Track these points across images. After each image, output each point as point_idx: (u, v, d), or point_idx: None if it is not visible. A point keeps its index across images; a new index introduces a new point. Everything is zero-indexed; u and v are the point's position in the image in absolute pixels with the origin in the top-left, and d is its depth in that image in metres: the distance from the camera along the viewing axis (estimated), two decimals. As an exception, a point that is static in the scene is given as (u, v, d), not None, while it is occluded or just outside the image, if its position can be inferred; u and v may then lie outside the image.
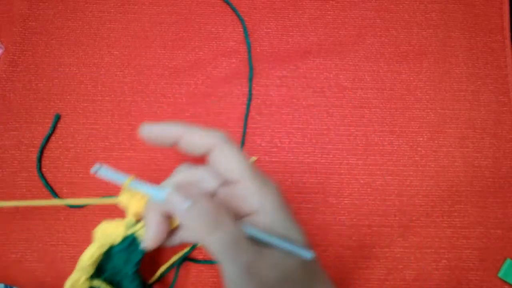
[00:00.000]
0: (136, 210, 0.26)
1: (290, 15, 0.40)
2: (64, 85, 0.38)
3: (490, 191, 0.36)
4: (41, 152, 0.36)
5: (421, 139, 0.37)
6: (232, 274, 0.21)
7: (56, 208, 0.35)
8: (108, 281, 0.29)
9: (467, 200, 0.36)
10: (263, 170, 0.36)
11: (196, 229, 0.21)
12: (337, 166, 0.36)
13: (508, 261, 0.34)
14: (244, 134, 0.37)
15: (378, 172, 0.36)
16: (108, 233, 0.27)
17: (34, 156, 0.36)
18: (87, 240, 0.34)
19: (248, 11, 0.40)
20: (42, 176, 0.35)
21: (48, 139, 0.36)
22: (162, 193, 0.23)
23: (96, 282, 0.28)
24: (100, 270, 0.28)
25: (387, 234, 0.35)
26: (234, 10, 0.39)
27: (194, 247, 0.33)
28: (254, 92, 0.38)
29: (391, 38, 0.40)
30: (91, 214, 0.35)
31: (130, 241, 0.27)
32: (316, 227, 0.35)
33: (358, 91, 0.38)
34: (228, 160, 0.23)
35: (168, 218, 0.24)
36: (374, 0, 0.41)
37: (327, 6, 0.40)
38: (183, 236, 0.25)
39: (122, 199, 0.26)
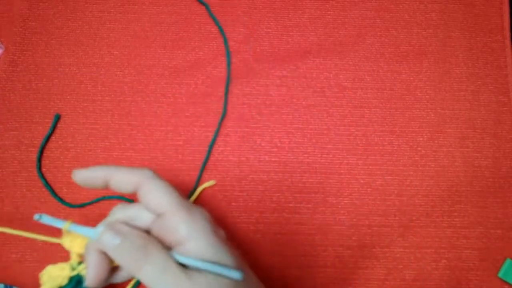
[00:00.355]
0: (79, 251, 0.27)
1: (290, 15, 0.40)
2: (64, 85, 0.38)
3: (490, 191, 0.36)
4: (41, 152, 0.36)
5: (421, 139, 0.37)
6: None
7: (56, 208, 0.35)
8: None
9: (467, 200, 0.36)
10: (263, 170, 0.36)
11: (126, 264, 0.23)
12: (337, 166, 0.36)
13: (508, 261, 0.34)
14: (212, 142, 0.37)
15: (378, 172, 0.36)
16: (54, 276, 0.29)
17: (34, 156, 0.36)
18: (87, 240, 0.34)
19: (248, 11, 0.40)
20: (42, 176, 0.35)
21: (48, 139, 0.36)
22: (97, 233, 0.24)
23: None
24: None
25: (387, 234, 0.35)
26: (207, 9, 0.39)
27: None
28: (254, 92, 0.38)
29: (391, 38, 0.40)
30: (91, 214, 0.35)
31: (76, 282, 0.28)
32: (316, 227, 0.35)
33: (358, 91, 0.38)
34: (155, 195, 0.24)
35: (108, 256, 0.25)
36: (374, 0, 0.41)
37: (327, 6, 0.40)
38: (126, 272, 0.27)
39: (65, 242, 0.27)
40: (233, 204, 0.35)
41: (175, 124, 0.37)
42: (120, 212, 0.26)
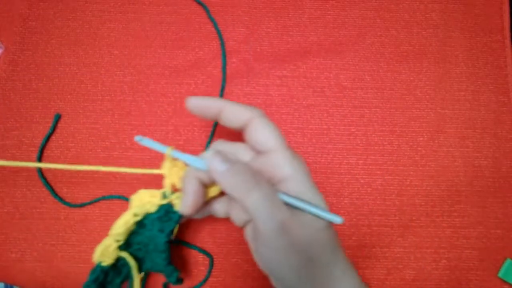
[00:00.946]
0: (174, 181, 0.28)
1: (290, 15, 0.40)
2: (64, 84, 0.38)
3: (490, 191, 0.36)
4: (41, 152, 0.36)
5: (421, 139, 0.37)
6: (268, 230, 0.23)
7: (56, 208, 0.35)
8: (133, 255, 0.29)
9: (467, 200, 0.36)
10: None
11: (235, 188, 0.24)
12: (337, 166, 0.36)
13: (508, 261, 0.34)
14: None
15: (378, 172, 0.36)
16: (145, 201, 0.28)
17: (35, 155, 0.36)
18: (87, 240, 0.34)
19: (248, 11, 0.40)
20: (42, 175, 0.35)
21: (48, 138, 0.36)
22: (202, 161, 0.25)
23: (124, 254, 0.28)
24: (127, 244, 0.29)
25: (387, 234, 0.35)
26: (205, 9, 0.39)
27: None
28: (254, 92, 0.38)
29: (391, 38, 0.40)
30: (91, 214, 0.35)
31: (164, 211, 0.28)
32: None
33: (358, 91, 0.38)
34: (264, 132, 0.25)
35: (205, 187, 0.27)
36: (374, 0, 0.41)
37: (327, 6, 0.40)
38: (214, 208, 0.28)
39: (164, 168, 0.28)
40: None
41: (175, 124, 0.37)
42: (221, 146, 0.27)
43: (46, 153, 0.36)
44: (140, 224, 0.29)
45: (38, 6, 0.40)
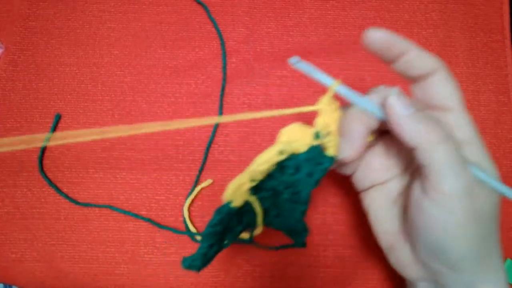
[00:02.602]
0: (329, 121, 0.23)
1: (290, 15, 0.40)
2: (64, 84, 0.38)
3: (490, 191, 0.36)
4: (43, 152, 0.36)
5: (421, 139, 0.37)
6: (453, 189, 0.20)
7: (56, 208, 0.35)
8: (270, 199, 0.25)
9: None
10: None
11: (420, 137, 0.21)
12: (337, 166, 0.36)
13: (508, 261, 0.34)
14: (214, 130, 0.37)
15: (378, 172, 0.36)
16: (294, 138, 0.24)
17: (35, 155, 0.36)
18: (87, 240, 0.34)
19: (248, 11, 0.40)
20: (45, 175, 0.35)
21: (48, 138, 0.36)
22: (372, 103, 0.22)
23: (252, 199, 0.24)
24: (256, 188, 0.24)
25: (387, 234, 0.35)
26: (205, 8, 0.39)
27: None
28: (254, 92, 0.38)
29: (391, 38, 0.39)
30: (91, 214, 0.35)
31: (315, 154, 0.23)
32: (316, 227, 0.35)
33: (359, 91, 0.38)
34: (448, 87, 0.23)
35: (368, 134, 0.23)
36: (374, 0, 0.41)
37: (327, 6, 0.40)
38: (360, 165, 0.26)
39: (322, 104, 0.24)
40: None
41: (175, 124, 0.37)
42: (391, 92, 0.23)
43: (46, 153, 0.36)
44: (279, 167, 0.24)
45: (38, 6, 0.40)
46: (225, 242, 0.25)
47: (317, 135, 0.23)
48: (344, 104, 0.25)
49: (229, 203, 0.23)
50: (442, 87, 0.23)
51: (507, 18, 0.40)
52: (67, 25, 0.39)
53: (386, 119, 0.22)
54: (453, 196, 0.20)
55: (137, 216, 0.34)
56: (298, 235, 0.25)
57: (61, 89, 0.38)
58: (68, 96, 0.37)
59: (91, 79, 0.38)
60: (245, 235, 0.29)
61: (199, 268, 0.24)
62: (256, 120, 0.37)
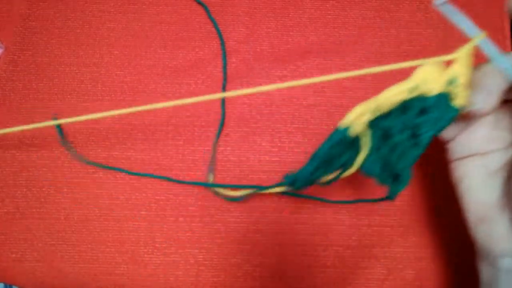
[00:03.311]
0: (463, 71, 0.23)
1: (290, 15, 0.40)
2: (64, 85, 0.38)
3: (490, 191, 0.36)
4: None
5: (421, 139, 0.37)
6: None
7: (56, 208, 0.35)
8: (385, 140, 0.24)
9: (467, 200, 0.36)
10: (263, 170, 0.36)
11: None
12: (337, 166, 0.36)
13: (508, 261, 0.34)
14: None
15: (378, 172, 0.36)
16: (429, 78, 0.23)
17: (35, 155, 0.36)
18: (87, 240, 0.34)
19: (248, 11, 0.40)
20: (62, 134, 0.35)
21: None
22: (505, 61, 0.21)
23: (367, 133, 0.24)
24: (372, 124, 0.24)
25: (387, 234, 0.35)
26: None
27: None
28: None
29: (391, 38, 0.40)
30: (91, 214, 0.35)
31: (445, 99, 0.23)
32: (316, 227, 0.35)
33: (359, 91, 0.38)
34: None
35: (505, 91, 0.22)
36: (374, 0, 0.41)
37: (327, 6, 0.40)
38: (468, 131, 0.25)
39: (462, 52, 0.23)
40: (233, 203, 0.35)
41: (175, 124, 0.37)
42: None
43: (47, 153, 0.36)
44: (402, 106, 0.23)
45: (38, 6, 0.40)
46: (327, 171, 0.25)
47: (451, 82, 0.23)
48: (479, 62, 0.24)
49: (346, 129, 0.23)
50: None
51: (507, 18, 0.40)
52: (67, 25, 0.39)
53: None
54: None
55: (154, 176, 0.35)
56: (397, 183, 0.24)
57: (61, 89, 0.38)
58: (68, 96, 0.37)
59: (91, 79, 0.38)
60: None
61: (299, 187, 0.24)
62: (256, 120, 0.37)
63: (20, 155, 0.36)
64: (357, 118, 0.23)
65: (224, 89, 0.38)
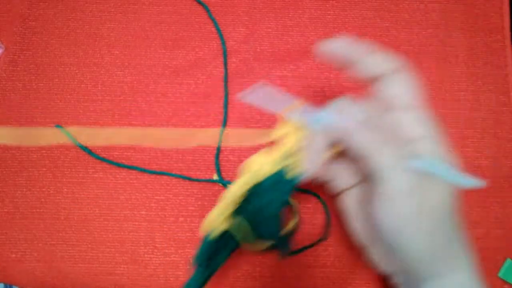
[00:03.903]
0: (291, 143, 0.26)
1: (290, 15, 0.40)
2: (64, 84, 0.38)
3: (490, 191, 0.36)
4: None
5: (421, 139, 0.37)
6: (396, 189, 0.22)
7: (56, 208, 0.35)
8: (248, 220, 0.27)
9: (466, 200, 0.36)
10: (263, 170, 0.36)
11: (365, 144, 0.22)
12: (337, 166, 0.36)
13: (508, 261, 0.34)
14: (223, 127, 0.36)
15: (378, 172, 0.36)
16: (261, 166, 0.26)
17: (35, 155, 0.36)
18: (87, 240, 0.34)
19: (248, 11, 0.40)
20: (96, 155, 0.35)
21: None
22: (325, 117, 0.24)
23: (237, 220, 0.27)
24: (241, 208, 0.27)
25: (387, 234, 0.35)
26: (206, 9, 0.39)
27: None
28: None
29: (391, 38, 0.40)
30: (91, 214, 0.35)
31: (275, 178, 0.26)
32: (316, 227, 0.35)
33: (359, 90, 0.38)
34: (402, 87, 0.23)
35: (327, 148, 0.25)
36: (374, 0, 0.41)
37: (327, 6, 0.40)
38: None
39: (286, 127, 0.26)
40: (233, 204, 0.35)
41: (175, 124, 0.37)
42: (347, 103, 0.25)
43: (47, 153, 0.36)
44: (250, 192, 0.26)
45: (38, 6, 0.40)
46: (215, 265, 0.28)
47: (281, 159, 0.26)
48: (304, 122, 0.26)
49: (207, 236, 0.27)
50: (398, 87, 0.23)
51: (507, 18, 0.40)
52: (67, 25, 0.39)
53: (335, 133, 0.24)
54: (398, 196, 0.22)
55: (169, 174, 0.35)
56: (282, 246, 0.28)
57: (61, 89, 0.38)
58: (68, 96, 0.37)
59: (91, 79, 0.38)
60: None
61: None
62: (256, 120, 0.37)
63: (20, 155, 0.36)
64: (212, 223, 0.26)
65: (226, 88, 0.38)
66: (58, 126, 0.36)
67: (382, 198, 0.22)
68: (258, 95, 0.25)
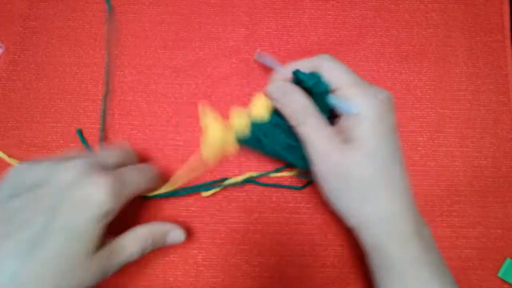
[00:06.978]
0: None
1: (290, 15, 0.40)
2: (65, 84, 0.38)
3: (490, 191, 0.36)
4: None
5: (421, 138, 0.37)
6: (317, 145, 0.27)
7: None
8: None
9: (466, 200, 0.36)
10: (264, 170, 0.36)
11: (292, 114, 0.29)
12: (337, 166, 0.36)
13: (508, 260, 0.34)
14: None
15: (378, 172, 0.36)
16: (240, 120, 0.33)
17: (35, 155, 0.36)
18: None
19: (248, 11, 0.40)
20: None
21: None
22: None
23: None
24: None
25: (387, 234, 0.35)
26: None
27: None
28: (254, 92, 0.38)
29: (391, 38, 0.40)
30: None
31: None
32: (316, 227, 0.35)
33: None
34: (335, 72, 0.29)
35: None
36: (374, 0, 0.41)
37: (327, 6, 0.40)
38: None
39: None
40: (233, 204, 0.35)
41: (175, 124, 0.37)
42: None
43: (47, 153, 0.36)
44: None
45: (38, 6, 0.40)
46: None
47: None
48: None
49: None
50: (332, 73, 0.29)
51: (507, 18, 0.40)
52: (67, 25, 0.39)
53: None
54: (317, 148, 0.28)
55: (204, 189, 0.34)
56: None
57: (61, 89, 0.38)
58: (68, 96, 0.37)
59: (91, 79, 0.38)
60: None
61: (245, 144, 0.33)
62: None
63: (20, 155, 0.36)
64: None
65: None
66: (79, 131, 0.36)
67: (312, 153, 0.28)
68: (266, 58, 0.34)
